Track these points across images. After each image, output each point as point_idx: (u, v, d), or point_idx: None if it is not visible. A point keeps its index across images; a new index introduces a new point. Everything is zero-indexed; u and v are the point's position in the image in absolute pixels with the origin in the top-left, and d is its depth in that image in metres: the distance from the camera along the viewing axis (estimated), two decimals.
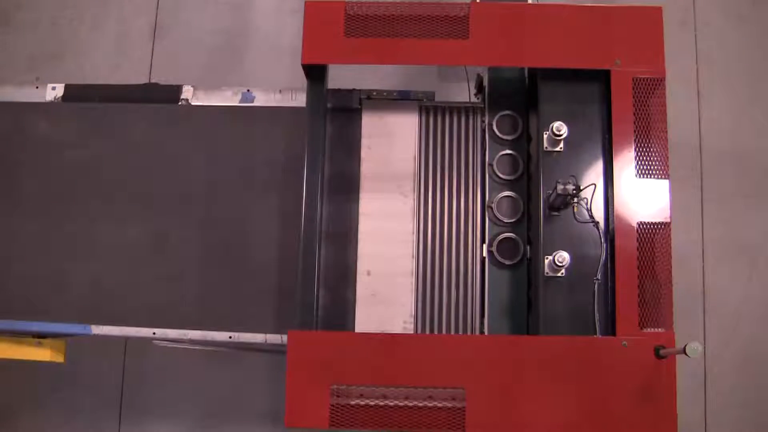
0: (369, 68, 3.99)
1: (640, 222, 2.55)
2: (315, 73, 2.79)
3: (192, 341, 2.92)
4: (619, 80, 2.63)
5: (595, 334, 2.54)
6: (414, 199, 2.84)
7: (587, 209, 2.61)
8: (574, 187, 2.51)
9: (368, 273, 2.81)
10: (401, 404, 2.48)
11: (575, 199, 2.58)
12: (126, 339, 3.86)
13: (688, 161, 4.15)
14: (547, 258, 2.57)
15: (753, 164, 4.15)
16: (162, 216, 2.95)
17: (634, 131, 2.60)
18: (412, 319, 2.77)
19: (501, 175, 2.82)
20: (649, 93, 2.63)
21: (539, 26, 2.69)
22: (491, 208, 2.80)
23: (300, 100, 2.96)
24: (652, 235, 2.55)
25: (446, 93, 3.48)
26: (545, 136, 2.65)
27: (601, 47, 2.67)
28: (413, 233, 2.82)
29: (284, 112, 2.98)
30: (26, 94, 3.10)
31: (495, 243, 2.77)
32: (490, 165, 2.83)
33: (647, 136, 2.60)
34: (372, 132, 2.90)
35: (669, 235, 2.56)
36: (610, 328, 2.55)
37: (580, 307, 2.58)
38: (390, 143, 2.89)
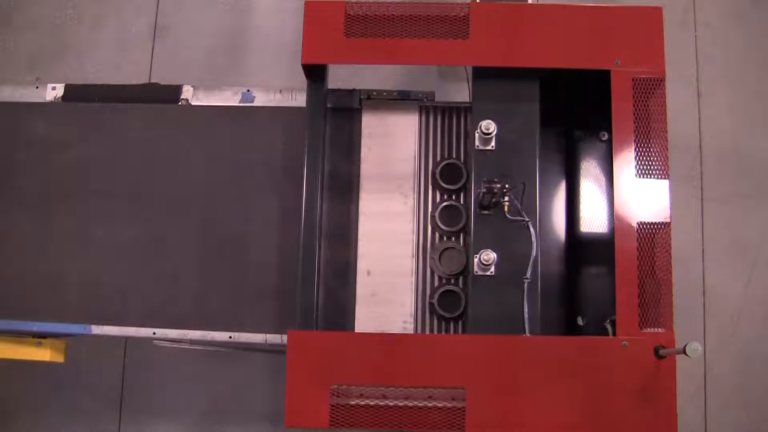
0: (369, 68, 3.99)
1: (640, 222, 2.55)
2: (315, 73, 2.79)
3: (192, 341, 2.92)
4: (619, 80, 2.63)
5: (524, 333, 2.54)
6: (414, 199, 2.84)
7: (518, 208, 2.61)
8: (501, 186, 2.52)
9: (368, 273, 2.81)
10: (401, 404, 2.47)
11: (505, 198, 2.58)
12: (126, 339, 3.85)
13: (688, 161, 4.14)
14: (475, 257, 2.58)
15: (753, 164, 4.14)
16: (162, 216, 2.95)
17: (634, 131, 2.60)
18: (412, 319, 2.77)
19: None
20: (649, 93, 2.62)
21: (539, 26, 2.69)
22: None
23: (300, 100, 2.95)
24: (652, 235, 2.54)
25: (446, 93, 3.49)
26: (476, 135, 2.65)
27: (601, 47, 2.67)
28: (413, 233, 2.82)
29: (284, 111, 2.98)
30: (26, 94, 3.10)
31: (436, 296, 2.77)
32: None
33: (647, 136, 2.60)
34: (372, 132, 2.90)
35: (669, 235, 2.55)
36: (539, 328, 2.56)
37: (510, 306, 2.57)
38: (390, 143, 2.89)
